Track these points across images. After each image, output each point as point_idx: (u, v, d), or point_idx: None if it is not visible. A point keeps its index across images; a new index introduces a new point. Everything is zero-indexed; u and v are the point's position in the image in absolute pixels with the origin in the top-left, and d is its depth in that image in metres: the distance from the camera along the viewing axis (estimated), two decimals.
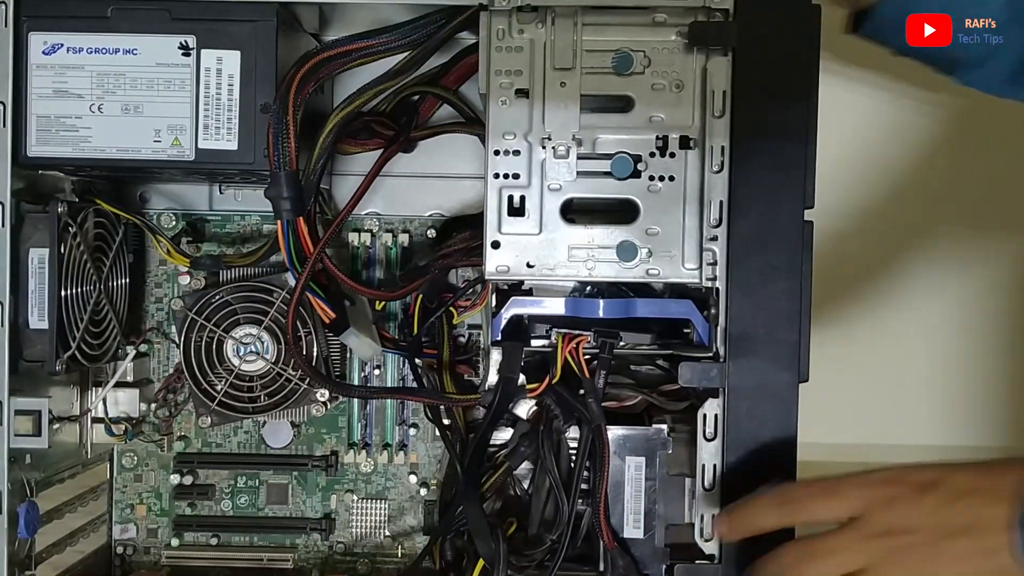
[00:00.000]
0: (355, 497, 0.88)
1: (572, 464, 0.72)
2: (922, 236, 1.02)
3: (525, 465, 0.74)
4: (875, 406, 1.01)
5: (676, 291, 0.71)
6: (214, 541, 0.88)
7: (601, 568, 0.71)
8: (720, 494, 0.67)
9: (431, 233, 0.86)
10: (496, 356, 0.71)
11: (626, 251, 0.67)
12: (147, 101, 0.70)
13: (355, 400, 0.87)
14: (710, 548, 0.68)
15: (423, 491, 0.87)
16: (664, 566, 0.71)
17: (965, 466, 0.60)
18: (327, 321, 0.76)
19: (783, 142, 0.66)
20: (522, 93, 0.67)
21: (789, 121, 0.66)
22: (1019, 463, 0.59)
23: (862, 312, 1.02)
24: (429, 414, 0.82)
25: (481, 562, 0.70)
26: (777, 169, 0.66)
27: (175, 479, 0.87)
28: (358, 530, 0.88)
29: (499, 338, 0.70)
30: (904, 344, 1.01)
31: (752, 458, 0.66)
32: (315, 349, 0.82)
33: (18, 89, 0.69)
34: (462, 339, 0.86)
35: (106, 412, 0.83)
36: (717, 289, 0.67)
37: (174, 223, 0.86)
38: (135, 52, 0.70)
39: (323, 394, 0.83)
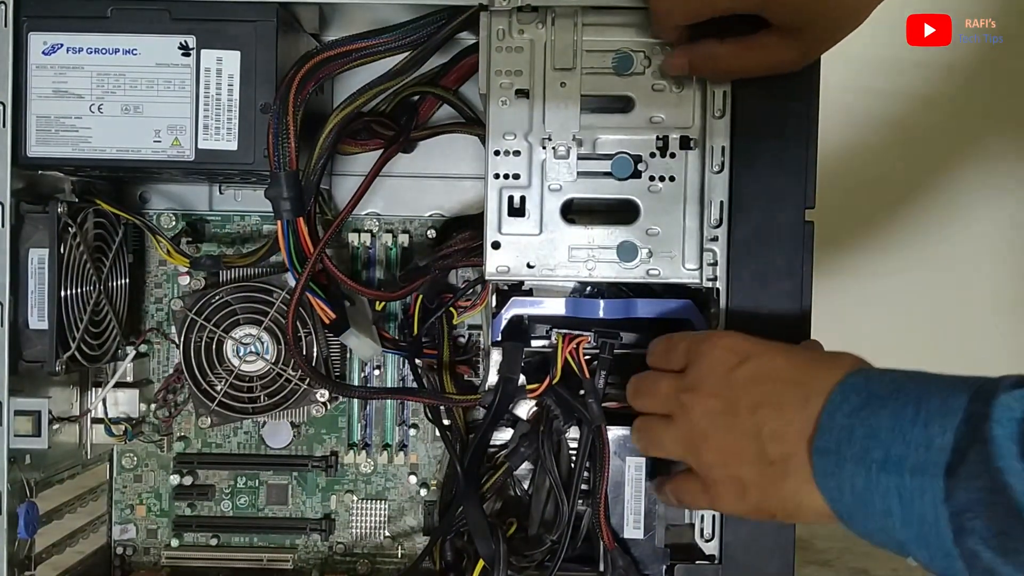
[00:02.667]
0: (355, 498, 0.88)
1: (572, 464, 0.72)
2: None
3: (525, 465, 0.74)
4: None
5: (676, 291, 0.71)
6: (214, 541, 0.87)
7: (601, 568, 0.71)
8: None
9: (431, 233, 0.86)
10: (496, 356, 0.71)
11: (626, 251, 0.67)
12: (147, 101, 0.70)
13: (355, 400, 0.87)
14: (710, 548, 0.68)
15: (423, 491, 0.87)
16: (664, 566, 0.71)
17: (790, 348, 0.58)
18: (327, 321, 0.76)
19: (784, 141, 0.66)
20: (522, 93, 0.67)
21: (790, 120, 0.66)
22: (846, 363, 0.55)
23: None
24: (429, 414, 0.82)
25: (481, 563, 0.70)
26: (778, 168, 0.66)
27: (175, 479, 0.86)
28: (358, 531, 0.88)
29: (499, 338, 0.70)
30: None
31: None
32: (315, 349, 0.81)
33: (18, 89, 0.69)
34: (462, 339, 0.86)
35: (106, 412, 0.83)
36: (717, 289, 0.67)
37: (174, 223, 0.86)
38: (135, 52, 0.69)
39: (323, 394, 0.82)
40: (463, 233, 0.79)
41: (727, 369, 0.58)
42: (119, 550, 0.88)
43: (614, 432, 0.71)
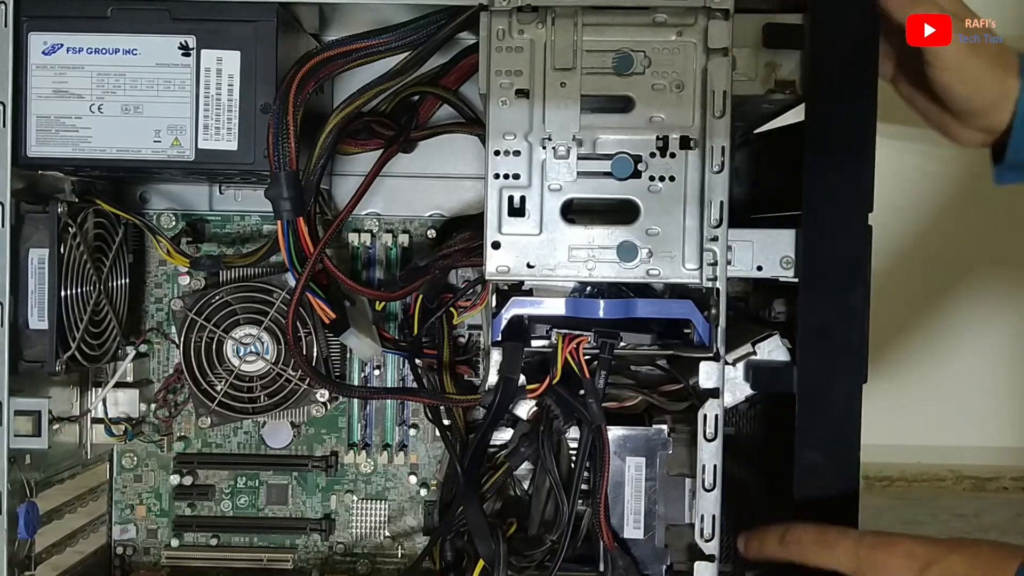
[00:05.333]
0: (355, 497, 0.88)
1: (572, 464, 0.72)
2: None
3: (525, 465, 0.74)
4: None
5: (676, 291, 0.71)
6: (214, 542, 0.87)
7: (601, 569, 0.71)
8: (720, 494, 0.67)
9: (431, 233, 0.86)
10: (496, 356, 0.71)
11: (626, 251, 0.67)
12: (147, 101, 0.70)
13: (355, 400, 0.87)
14: (710, 548, 0.68)
15: (423, 491, 0.87)
16: (664, 566, 0.71)
17: (962, 547, 0.59)
18: (327, 321, 0.76)
19: (849, 141, 0.65)
20: (522, 93, 0.67)
21: (855, 120, 0.65)
22: (1018, 554, 0.57)
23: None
24: (429, 414, 0.82)
25: (481, 563, 0.70)
26: (844, 171, 0.65)
27: (175, 479, 0.87)
28: (358, 530, 0.88)
29: (499, 338, 0.70)
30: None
31: (819, 458, 0.66)
32: (315, 349, 0.81)
33: (18, 89, 0.69)
34: (462, 339, 0.86)
35: (106, 412, 0.83)
36: (717, 289, 0.67)
37: (174, 223, 0.86)
38: (135, 52, 0.69)
39: (323, 394, 0.82)
40: (463, 233, 0.79)
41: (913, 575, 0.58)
42: (119, 550, 0.88)
43: (614, 432, 0.71)
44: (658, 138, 0.67)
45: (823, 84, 0.67)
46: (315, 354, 0.82)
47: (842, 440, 0.65)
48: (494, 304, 0.71)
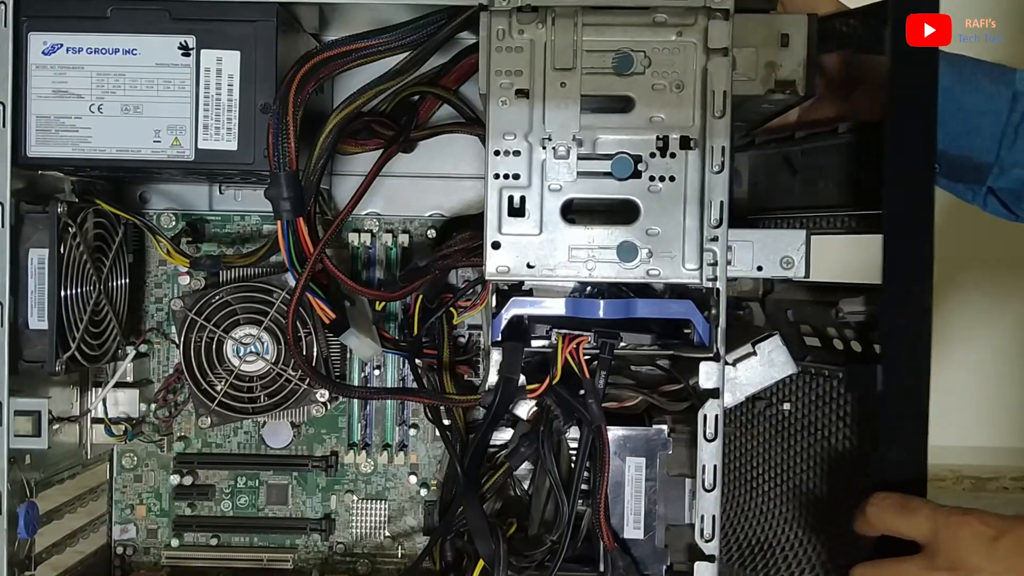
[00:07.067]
0: (355, 497, 0.88)
1: (572, 465, 0.72)
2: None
3: (525, 465, 0.74)
4: None
5: (676, 291, 0.71)
6: (214, 542, 0.87)
7: (601, 569, 0.71)
8: (720, 493, 0.67)
9: (431, 233, 0.86)
10: (496, 356, 0.71)
11: (626, 251, 0.67)
12: (147, 101, 0.70)
13: (355, 400, 0.87)
14: (710, 548, 0.68)
15: (423, 491, 0.87)
16: (664, 566, 0.71)
17: None
18: (327, 321, 0.76)
19: (922, 154, 0.66)
20: (522, 93, 0.67)
21: (923, 137, 0.66)
22: None
23: None
24: (429, 414, 0.82)
25: (481, 563, 0.70)
26: (917, 180, 0.66)
27: (175, 479, 0.87)
28: (358, 530, 0.88)
29: (499, 338, 0.70)
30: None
31: (898, 451, 0.67)
32: (315, 349, 0.81)
33: (18, 89, 0.69)
34: (462, 339, 0.86)
35: (106, 412, 0.83)
36: (717, 290, 0.67)
37: (174, 223, 0.86)
38: (135, 52, 0.69)
39: (323, 394, 0.82)
40: (463, 233, 0.79)
41: (987, 543, 0.60)
42: (119, 550, 0.88)
43: (614, 432, 0.71)
44: (658, 138, 0.67)
45: (902, 106, 0.66)
46: (315, 354, 0.82)
47: (917, 432, 0.67)
48: (494, 304, 0.71)
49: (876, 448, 0.67)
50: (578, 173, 0.68)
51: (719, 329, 0.67)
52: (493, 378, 0.71)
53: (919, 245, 0.66)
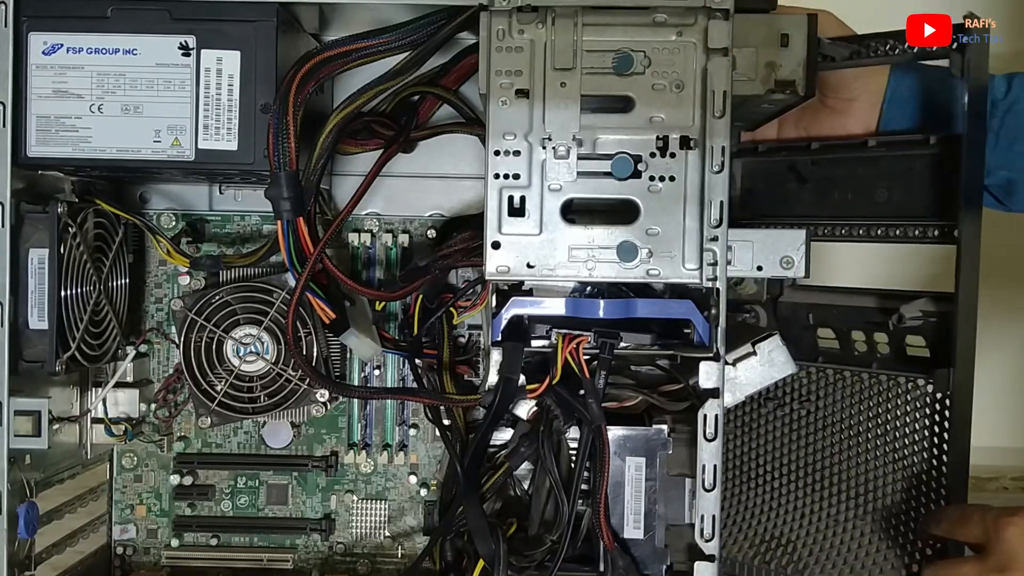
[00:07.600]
0: (355, 497, 0.88)
1: (572, 464, 0.72)
2: None
3: (525, 465, 0.74)
4: None
5: (676, 291, 0.71)
6: (214, 541, 0.87)
7: (601, 569, 0.71)
8: (720, 493, 0.67)
9: (431, 233, 0.86)
10: (496, 356, 0.71)
11: (626, 251, 0.67)
12: (147, 101, 0.70)
13: (355, 400, 0.87)
14: (710, 548, 0.68)
15: (423, 491, 0.87)
16: (664, 566, 0.71)
17: None
18: (327, 321, 0.76)
19: (978, 174, 0.72)
20: (522, 93, 0.67)
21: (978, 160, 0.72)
22: None
23: None
24: (429, 414, 0.82)
25: (481, 563, 0.70)
26: (975, 193, 0.72)
27: (175, 479, 0.87)
28: (358, 530, 0.88)
29: (499, 338, 0.70)
30: None
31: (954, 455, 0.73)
32: (315, 349, 0.81)
33: (18, 89, 0.69)
34: (462, 339, 0.86)
35: (106, 412, 0.83)
36: (717, 289, 0.67)
37: (174, 223, 0.86)
38: (135, 52, 0.69)
39: (323, 394, 0.82)
40: (463, 233, 0.79)
41: None
42: (119, 550, 0.88)
43: (614, 432, 0.71)
44: (658, 138, 0.67)
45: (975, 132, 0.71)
46: (315, 354, 0.82)
47: (965, 431, 0.73)
48: (494, 304, 0.71)
49: (939, 446, 0.73)
50: (578, 173, 0.68)
51: (719, 329, 0.67)
52: (493, 378, 0.71)
53: (977, 253, 0.72)
